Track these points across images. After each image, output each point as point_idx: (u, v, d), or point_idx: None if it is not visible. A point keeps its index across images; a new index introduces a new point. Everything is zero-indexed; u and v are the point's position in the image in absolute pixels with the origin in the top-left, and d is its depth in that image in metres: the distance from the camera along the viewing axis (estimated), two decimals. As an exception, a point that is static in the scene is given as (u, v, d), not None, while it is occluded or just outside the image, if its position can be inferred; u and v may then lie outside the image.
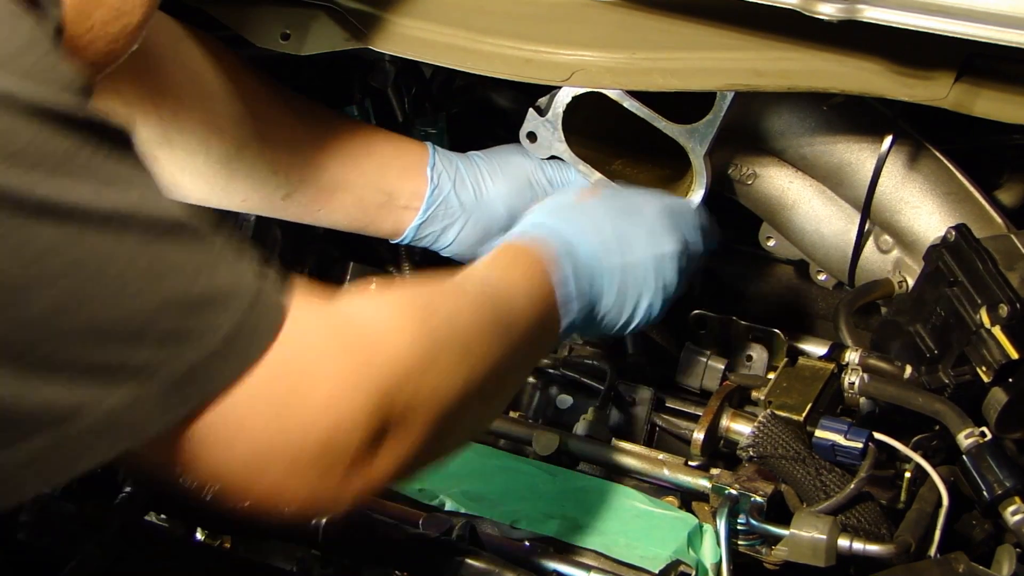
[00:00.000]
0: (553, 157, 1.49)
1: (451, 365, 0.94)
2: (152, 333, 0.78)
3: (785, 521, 1.20)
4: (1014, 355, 1.23)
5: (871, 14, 1.17)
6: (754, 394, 1.40)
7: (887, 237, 1.50)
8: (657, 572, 1.20)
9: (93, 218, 0.76)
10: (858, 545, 1.17)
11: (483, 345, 0.99)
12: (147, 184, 0.81)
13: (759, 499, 1.23)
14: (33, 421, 0.76)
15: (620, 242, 1.25)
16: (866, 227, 1.49)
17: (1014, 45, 1.13)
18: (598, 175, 1.49)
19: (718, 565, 1.21)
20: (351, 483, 0.87)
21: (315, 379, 0.85)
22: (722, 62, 1.31)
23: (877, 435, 1.25)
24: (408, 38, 1.39)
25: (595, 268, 1.22)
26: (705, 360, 1.50)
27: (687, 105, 1.42)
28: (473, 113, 1.75)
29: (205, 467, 0.84)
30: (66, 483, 0.80)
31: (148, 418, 0.79)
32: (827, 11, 1.17)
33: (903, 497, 1.28)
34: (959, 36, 1.15)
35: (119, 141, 0.80)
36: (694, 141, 1.43)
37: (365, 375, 0.87)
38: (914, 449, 1.27)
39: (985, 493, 1.20)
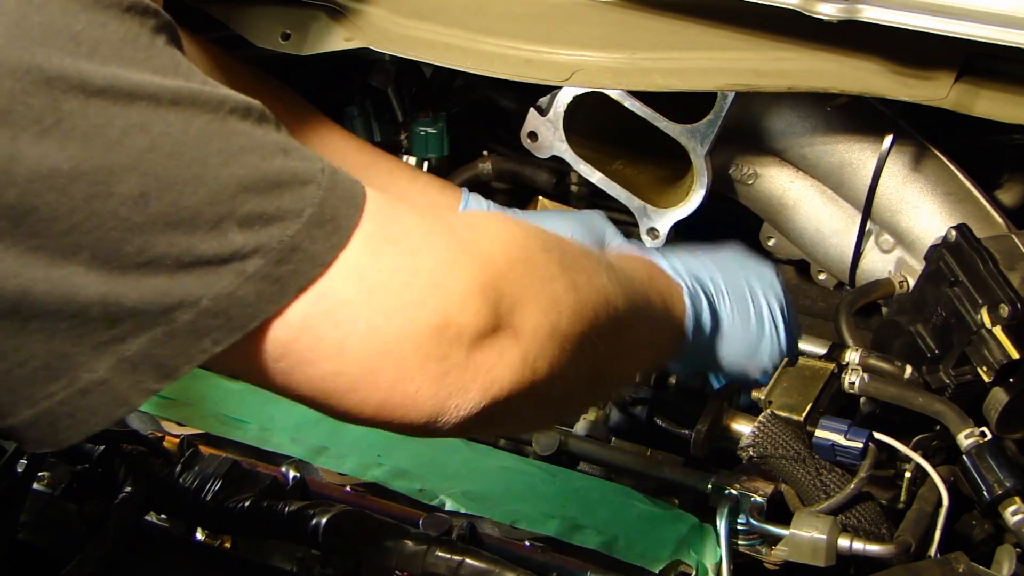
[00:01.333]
0: (554, 157, 1.49)
1: (558, 280, 0.91)
2: (238, 216, 0.76)
3: (785, 521, 1.20)
4: (1015, 355, 1.23)
5: (871, 14, 1.17)
6: (754, 394, 1.39)
7: (888, 237, 1.50)
8: (657, 572, 1.20)
9: (161, 99, 0.75)
10: (858, 545, 1.17)
11: (589, 281, 0.95)
12: (201, 74, 0.79)
13: (759, 499, 1.23)
14: (138, 317, 0.75)
15: (733, 275, 1.31)
16: (867, 227, 1.49)
17: (1014, 45, 1.13)
18: (599, 175, 1.49)
19: (718, 565, 1.21)
20: (471, 376, 0.83)
21: (416, 255, 0.82)
22: (722, 62, 1.31)
23: (877, 435, 1.25)
24: (408, 38, 1.39)
25: (715, 298, 1.27)
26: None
27: (688, 105, 1.42)
28: (473, 113, 1.76)
29: (319, 360, 0.81)
30: (178, 378, 0.77)
31: (254, 303, 0.77)
32: (827, 11, 1.17)
33: (903, 497, 1.28)
34: (959, 36, 1.15)
35: (172, 34, 0.79)
36: (695, 141, 1.43)
37: (469, 254, 0.84)
38: (914, 449, 1.26)
39: (985, 493, 1.20)
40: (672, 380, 1.46)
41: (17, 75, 0.72)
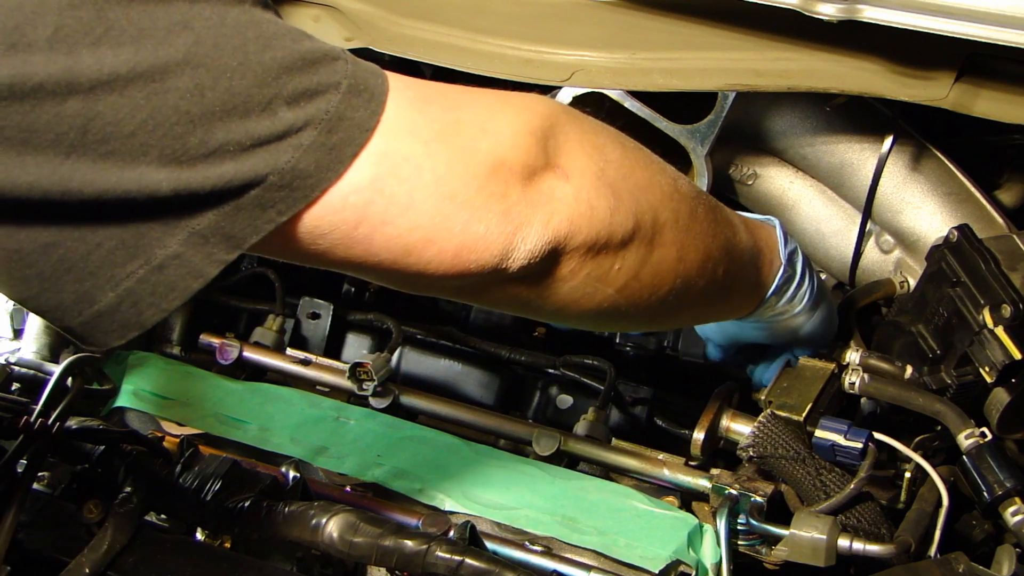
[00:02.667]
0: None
1: (601, 133, 0.97)
2: (286, 95, 0.80)
3: (785, 521, 1.20)
4: (1017, 355, 1.23)
5: (871, 14, 1.17)
6: (754, 394, 1.40)
7: (888, 237, 1.50)
8: (657, 572, 1.20)
9: None
10: (858, 545, 1.17)
11: (639, 148, 1.02)
12: None
13: (759, 499, 1.23)
14: (209, 199, 0.79)
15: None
16: (867, 227, 1.49)
17: (1014, 45, 1.13)
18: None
19: (718, 565, 1.21)
20: (532, 209, 0.89)
21: (458, 108, 0.88)
22: (722, 62, 1.31)
23: (877, 435, 1.25)
24: (408, 38, 1.39)
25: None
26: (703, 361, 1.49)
27: (688, 105, 1.42)
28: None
29: (394, 218, 0.85)
30: (246, 248, 0.82)
31: (314, 172, 0.81)
32: (827, 11, 1.17)
33: (903, 497, 1.28)
34: (959, 36, 1.15)
35: None
36: (695, 141, 1.43)
37: (507, 103, 0.91)
38: (915, 449, 1.26)
39: (985, 493, 1.20)
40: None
41: None
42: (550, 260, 0.92)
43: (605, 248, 0.96)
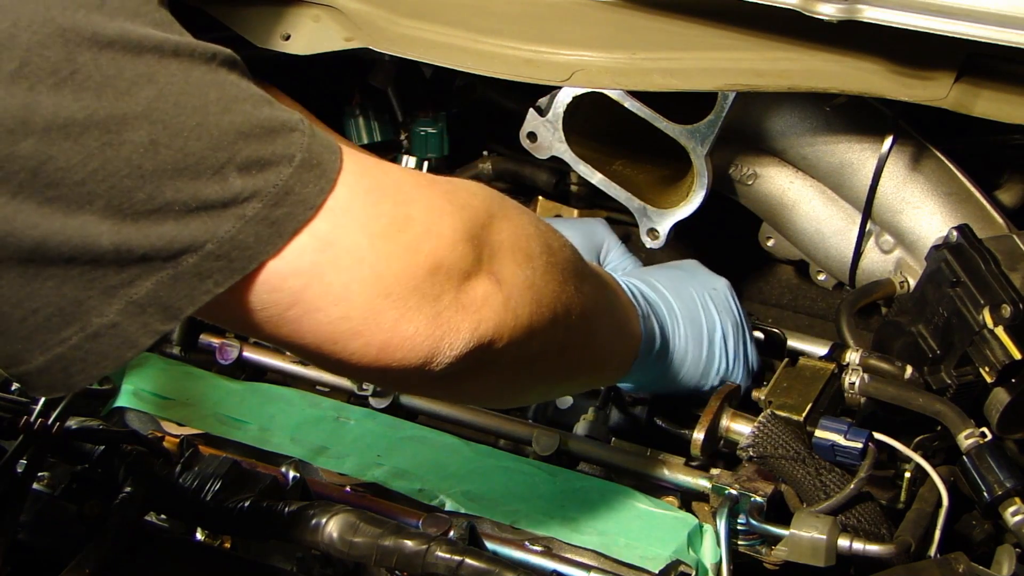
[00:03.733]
0: (553, 157, 1.49)
1: (533, 239, 0.98)
2: (238, 161, 0.80)
3: (785, 521, 1.20)
4: (1017, 356, 1.23)
5: (871, 14, 1.17)
6: (754, 394, 1.40)
7: (888, 237, 1.50)
8: (657, 572, 1.20)
9: (164, 51, 0.78)
10: (858, 545, 1.17)
11: (563, 250, 1.03)
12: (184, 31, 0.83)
13: (759, 499, 1.23)
14: (147, 262, 0.79)
15: (688, 300, 1.34)
16: (867, 227, 1.49)
17: (1014, 45, 1.13)
18: (599, 175, 1.49)
19: (718, 565, 1.21)
20: (462, 316, 0.89)
21: (410, 204, 0.88)
22: (722, 62, 1.31)
23: (877, 435, 1.25)
24: (408, 38, 1.39)
25: (667, 317, 1.31)
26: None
27: (687, 105, 1.42)
28: (473, 113, 1.76)
29: (327, 306, 0.84)
30: (181, 319, 0.82)
31: (253, 244, 0.81)
32: (827, 11, 1.18)
33: (903, 497, 1.28)
34: (959, 36, 1.15)
35: None
36: (695, 141, 1.43)
37: (453, 203, 0.90)
38: (914, 449, 1.26)
39: (985, 493, 1.20)
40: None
41: (33, 28, 0.74)
42: (473, 363, 0.92)
43: (526, 351, 0.97)
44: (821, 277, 1.59)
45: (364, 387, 1.46)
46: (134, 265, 0.78)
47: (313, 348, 0.88)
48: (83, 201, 0.76)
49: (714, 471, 1.31)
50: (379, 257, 0.85)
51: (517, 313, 0.94)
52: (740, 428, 1.33)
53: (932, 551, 1.20)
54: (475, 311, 0.90)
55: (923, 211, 1.46)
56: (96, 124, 0.75)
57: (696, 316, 1.34)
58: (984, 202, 1.44)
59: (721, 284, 1.40)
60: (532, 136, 1.48)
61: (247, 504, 1.21)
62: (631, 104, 1.42)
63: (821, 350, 1.46)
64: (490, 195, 0.97)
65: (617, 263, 1.48)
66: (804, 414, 1.31)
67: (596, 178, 1.49)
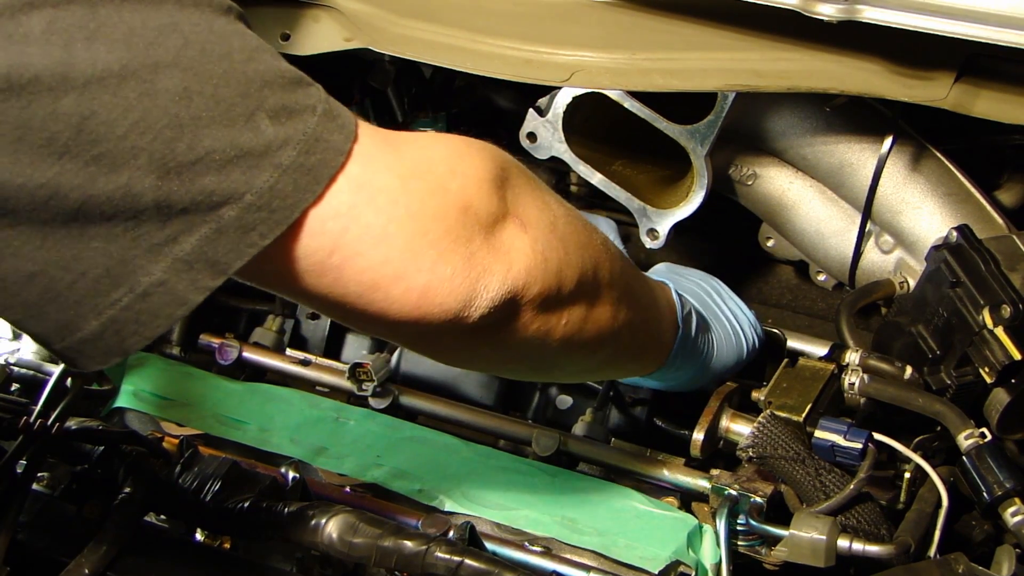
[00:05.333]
0: (553, 158, 1.49)
1: (548, 192, 0.98)
2: (267, 108, 0.80)
3: (785, 521, 1.20)
4: (1017, 356, 1.23)
5: (871, 14, 1.17)
6: (754, 394, 1.40)
7: (888, 237, 1.50)
8: (657, 572, 1.20)
9: (184, 1, 0.79)
10: (858, 546, 1.17)
11: (579, 214, 1.03)
12: None
13: (759, 499, 1.23)
14: (190, 216, 0.78)
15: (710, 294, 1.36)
16: (867, 227, 1.49)
17: (1014, 45, 1.13)
18: (599, 175, 1.49)
19: (718, 565, 1.21)
20: (493, 257, 0.89)
21: (430, 148, 0.89)
22: (722, 62, 1.31)
23: (877, 436, 1.25)
24: (408, 38, 1.39)
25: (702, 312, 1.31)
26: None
27: (687, 105, 1.42)
28: (473, 113, 1.76)
29: (367, 250, 0.84)
30: (231, 273, 0.82)
31: (292, 193, 0.81)
32: (827, 11, 1.17)
33: (903, 497, 1.28)
34: (959, 36, 1.15)
35: None
36: (695, 142, 1.43)
37: (472, 146, 0.92)
38: (914, 450, 1.26)
39: (985, 494, 1.20)
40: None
41: None
42: (506, 311, 0.92)
43: (556, 301, 0.97)
44: (821, 277, 1.58)
45: (364, 387, 1.46)
46: (176, 220, 0.78)
47: (354, 298, 0.87)
48: (128, 156, 0.76)
49: (714, 471, 1.31)
50: (412, 197, 0.86)
51: (546, 256, 0.93)
52: (740, 428, 1.33)
53: (932, 551, 1.20)
54: (505, 252, 0.90)
55: (923, 211, 1.46)
56: (132, 74, 0.75)
57: (711, 306, 1.34)
58: (984, 202, 1.44)
59: (706, 276, 1.41)
60: (532, 136, 1.48)
61: (247, 504, 1.21)
62: (631, 104, 1.42)
63: (821, 350, 1.46)
64: (503, 151, 0.97)
65: None
66: (804, 414, 1.31)
67: (596, 178, 1.49)
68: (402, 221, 0.85)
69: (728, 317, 1.36)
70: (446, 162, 0.89)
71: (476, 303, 0.89)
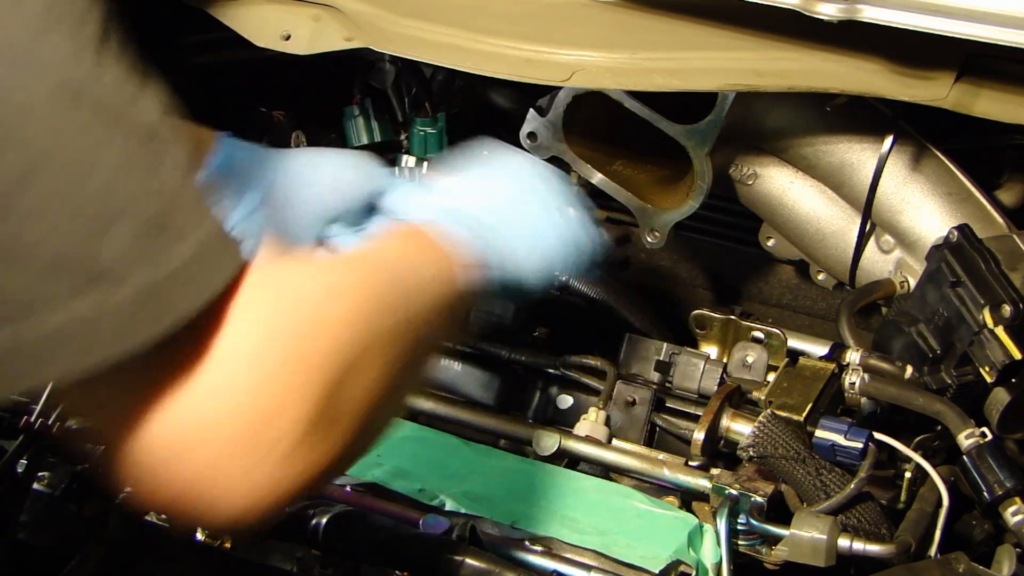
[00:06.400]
0: (553, 158, 1.49)
1: (382, 362, 0.90)
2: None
3: (785, 521, 1.20)
4: (1017, 355, 1.23)
5: (871, 14, 1.17)
6: (754, 394, 1.40)
7: (888, 237, 1.50)
8: (657, 572, 1.20)
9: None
10: (858, 545, 1.17)
11: (406, 335, 0.93)
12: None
13: (759, 499, 1.23)
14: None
15: (510, 204, 1.11)
16: (867, 227, 1.49)
17: (1014, 45, 1.13)
18: (599, 175, 1.49)
19: (718, 565, 1.21)
20: (283, 476, 0.84)
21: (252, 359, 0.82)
22: (722, 62, 1.31)
23: (877, 435, 1.25)
24: (408, 38, 1.39)
25: (493, 234, 1.07)
26: (703, 362, 1.47)
27: (688, 105, 1.42)
28: (473, 113, 1.76)
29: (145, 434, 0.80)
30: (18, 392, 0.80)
31: (112, 333, 0.75)
32: (827, 11, 1.17)
33: (903, 497, 1.28)
34: (959, 36, 1.15)
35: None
36: (696, 141, 1.43)
37: (304, 366, 0.84)
38: (915, 449, 1.27)
39: (985, 493, 1.20)
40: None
41: None
42: (282, 505, 0.87)
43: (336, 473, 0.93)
44: (821, 277, 1.58)
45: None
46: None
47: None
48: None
49: (714, 471, 1.31)
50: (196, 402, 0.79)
51: (342, 466, 0.89)
52: (740, 428, 1.33)
53: (932, 551, 1.20)
54: (300, 469, 0.84)
55: (923, 211, 1.46)
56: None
57: (527, 208, 1.11)
58: (984, 202, 1.44)
59: (527, 161, 1.18)
60: (532, 136, 1.48)
61: (247, 504, 1.21)
62: (631, 104, 1.42)
63: (821, 350, 1.46)
64: (361, 334, 0.88)
65: (406, 199, 1.15)
66: (804, 414, 1.31)
67: (596, 178, 1.49)
68: (177, 418, 0.79)
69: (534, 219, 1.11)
70: (258, 377, 0.81)
71: (247, 514, 0.84)
